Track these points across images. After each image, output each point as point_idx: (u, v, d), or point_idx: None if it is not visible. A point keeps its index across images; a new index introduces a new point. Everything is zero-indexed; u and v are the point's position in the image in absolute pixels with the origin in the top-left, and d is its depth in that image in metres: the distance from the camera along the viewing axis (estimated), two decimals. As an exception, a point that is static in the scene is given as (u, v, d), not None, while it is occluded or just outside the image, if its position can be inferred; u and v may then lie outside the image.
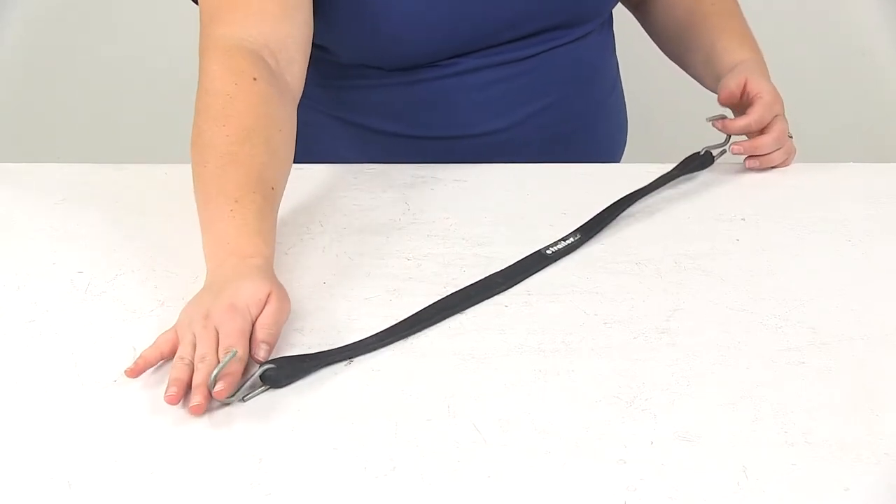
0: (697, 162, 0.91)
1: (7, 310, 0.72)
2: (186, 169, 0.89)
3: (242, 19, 0.81)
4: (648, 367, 0.65)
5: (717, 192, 0.88)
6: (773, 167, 0.92)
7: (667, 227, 0.83)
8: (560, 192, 0.88)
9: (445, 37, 0.91)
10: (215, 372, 0.60)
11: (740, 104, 0.92)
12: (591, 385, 0.64)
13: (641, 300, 0.72)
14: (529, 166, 0.92)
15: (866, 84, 1.74)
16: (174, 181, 0.87)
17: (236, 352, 0.62)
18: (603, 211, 0.82)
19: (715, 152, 0.92)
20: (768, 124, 0.90)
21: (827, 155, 0.90)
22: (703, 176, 0.89)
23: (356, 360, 0.66)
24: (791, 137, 0.93)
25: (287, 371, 0.64)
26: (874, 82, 1.75)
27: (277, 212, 0.75)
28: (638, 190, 0.85)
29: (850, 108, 1.75)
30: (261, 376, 0.63)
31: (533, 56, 0.95)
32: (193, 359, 0.63)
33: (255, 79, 0.78)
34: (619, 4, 1.09)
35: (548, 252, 0.77)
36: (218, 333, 0.64)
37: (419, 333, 0.69)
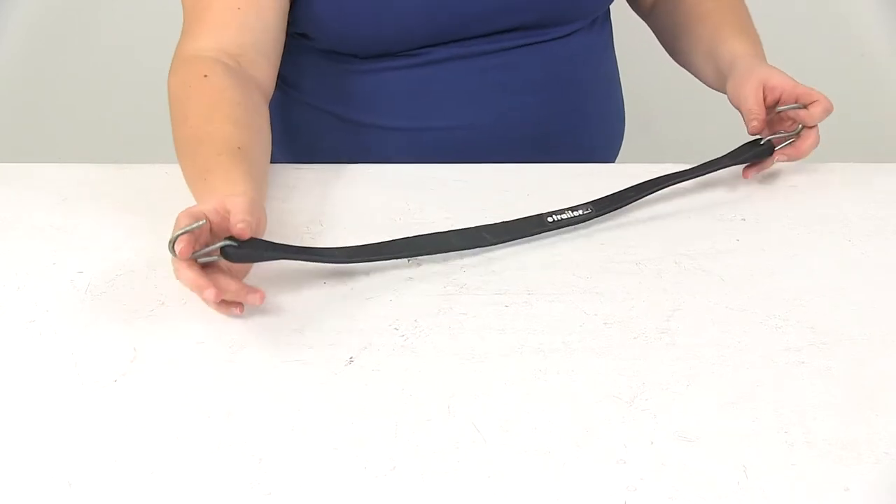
0: (754, 152, 0.87)
1: (7, 310, 0.72)
2: (186, 169, 0.89)
3: (201, 33, 0.87)
4: (648, 367, 0.65)
5: (717, 192, 0.88)
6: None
7: (667, 227, 0.83)
8: (560, 191, 0.88)
9: (415, 24, 0.91)
10: (178, 233, 0.66)
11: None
12: (591, 385, 0.64)
13: (641, 300, 0.72)
14: (530, 166, 0.92)
15: (866, 84, 1.74)
16: (174, 181, 0.87)
17: (203, 222, 0.67)
18: (623, 190, 0.82)
19: (779, 145, 0.88)
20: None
21: (827, 155, 0.90)
22: (704, 176, 0.89)
23: (356, 359, 0.66)
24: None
25: (245, 252, 0.68)
26: (874, 82, 1.75)
27: (257, 165, 0.78)
28: (664, 176, 0.85)
29: (850, 108, 1.74)
30: (221, 248, 0.67)
31: (505, 50, 0.94)
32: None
33: (205, 76, 0.83)
34: (632, 13, 1.09)
35: (548, 219, 0.77)
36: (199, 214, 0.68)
37: (419, 333, 0.69)
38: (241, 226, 0.67)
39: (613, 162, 1.10)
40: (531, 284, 0.74)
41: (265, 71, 0.89)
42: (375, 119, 0.97)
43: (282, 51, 0.91)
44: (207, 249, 0.67)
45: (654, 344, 0.68)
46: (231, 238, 0.68)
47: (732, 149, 0.88)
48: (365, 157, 0.95)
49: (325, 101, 0.99)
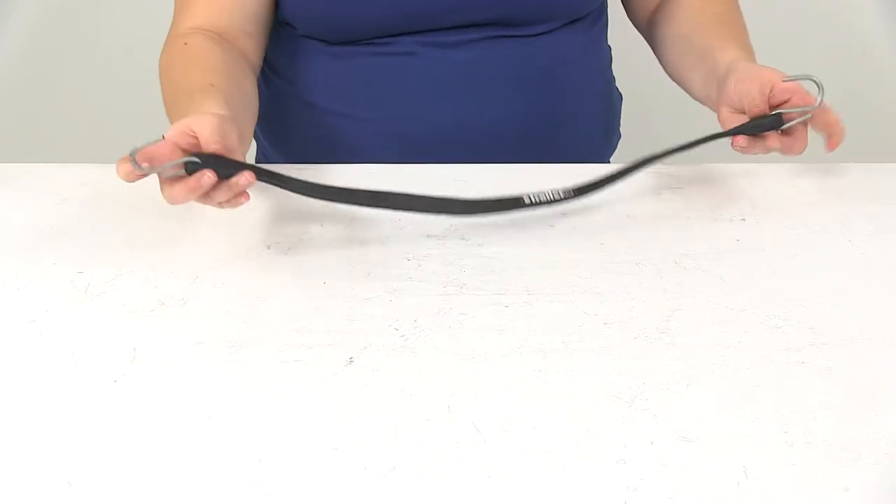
0: (760, 122, 0.84)
1: (7, 310, 0.72)
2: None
3: (187, 17, 0.93)
4: (648, 367, 0.65)
5: (717, 192, 0.87)
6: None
7: (667, 227, 0.83)
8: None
9: (382, 12, 0.92)
10: (138, 146, 0.69)
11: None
12: (591, 385, 0.64)
13: (641, 300, 0.72)
14: (530, 166, 0.92)
15: (866, 84, 1.74)
16: (174, 181, 0.87)
17: (159, 139, 0.70)
18: (609, 174, 0.82)
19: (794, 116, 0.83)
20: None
21: (827, 155, 0.90)
22: (704, 175, 0.89)
23: (356, 360, 0.66)
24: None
25: (208, 165, 0.69)
26: (874, 82, 1.75)
27: (232, 98, 0.80)
28: (646, 158, 0.84)
29: (850, 108, 1.74)
30: (184, 163, 0.69)
31: (474, 43, 0.93)
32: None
33: (185, 44, 0.89)
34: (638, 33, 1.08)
35: (525, 201, 0.79)
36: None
37: (419, 333, 0.69)
38: (214, 147, 0.70)
39: (608, 161, 1.09)
40: (531, 284, 0.74)
41: (249, 47, 0.94)
42: (339, 106, 0.98)
43: (268, 34, 0.96)
44: (171, 164, 0.70)
45: (654, 344, 0.68)
46: (195, 155, 0.70)
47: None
48: (330, 143, 0.96)
49: (296, 84, 1.00)
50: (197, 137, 0.71)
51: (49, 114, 1.79)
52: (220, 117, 0.73)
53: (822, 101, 0.83)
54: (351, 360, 0.66)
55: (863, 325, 0.70)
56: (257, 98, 0.90)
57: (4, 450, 0.59)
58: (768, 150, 0.84)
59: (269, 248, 0.76)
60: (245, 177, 0.70)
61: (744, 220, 0.83)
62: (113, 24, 1.71)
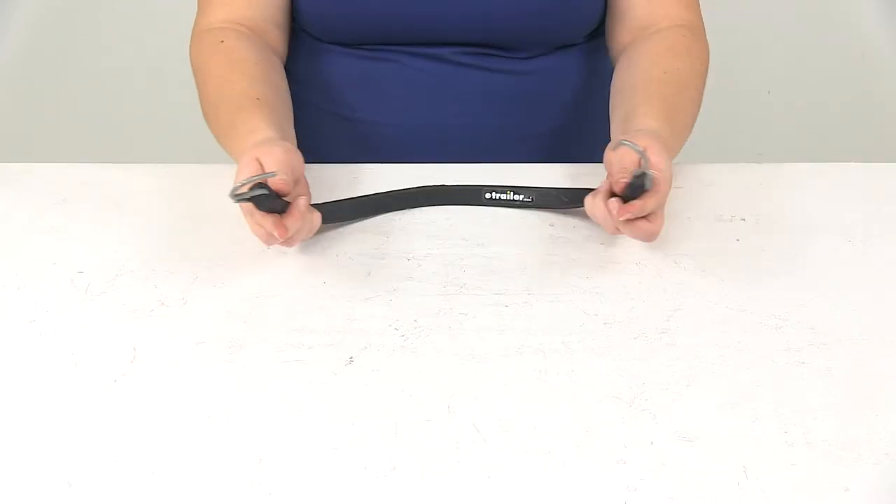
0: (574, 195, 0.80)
1: (7, 310, 0.72)
2: (187, 168, 0.89)
3: (214, 9, 0.92)
4: (648, 368, 0.65)
5: (717, 192, 0.87)
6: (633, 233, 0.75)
7: (667, 227, 0.83)
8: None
9: (372, 22, 0.93)
10: (243, 181, 0.69)
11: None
12: (591, 385, 0.64)
13: (641, 300, 0.72)
14: (530, 166, 0.92)
15: (866, 84, 1.74)
16: (175, 181, 0.87)
17: (273, 174, 0.70)
18: (569, 189, 0.83)
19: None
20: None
21: (827, 155, 0.90)
22: (704, 175, 0.89)
23: (356, 360, 0.66)
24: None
25: (262, 202, 0.70)
26: (874, 82, 1.75)
27: (277, 111, 0.83)
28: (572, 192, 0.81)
29: (850, 108, 1.74)
30: (251, 198, 0.69)
31: (459, 65, 0.95)
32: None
33: (221, 41, 0.89)
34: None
35: (486, 196, 0.83)
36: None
37: (419, 333, 0.69)
38: (280, 183, 0.71)
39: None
40: (531, 284, 0.74)
41: (277, 38, 0.95)
42: (325, 103, 0.99)
43: (290, 22, 0.97)
44: (241, 190, 0.69)
45: (654, 344, 0.68)
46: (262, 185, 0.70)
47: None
48: (317, 139, 0.97)
49: (294, 79, 1.00)
50: (263, 168, 0.72)
51: (49, 114, 1.79)
52: (286, 149, 0.73)
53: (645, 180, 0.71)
54: (351, 360, 0.66)
55: (863, 325, 0.70)
56: (289, 92, 0.91)
57: (4, 450, 0.59)
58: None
59: (269, 247, 0.76)
60: (303, 201, 0.72)
61: (744, 219, 0.83)
62: (113, 24, 1.71)
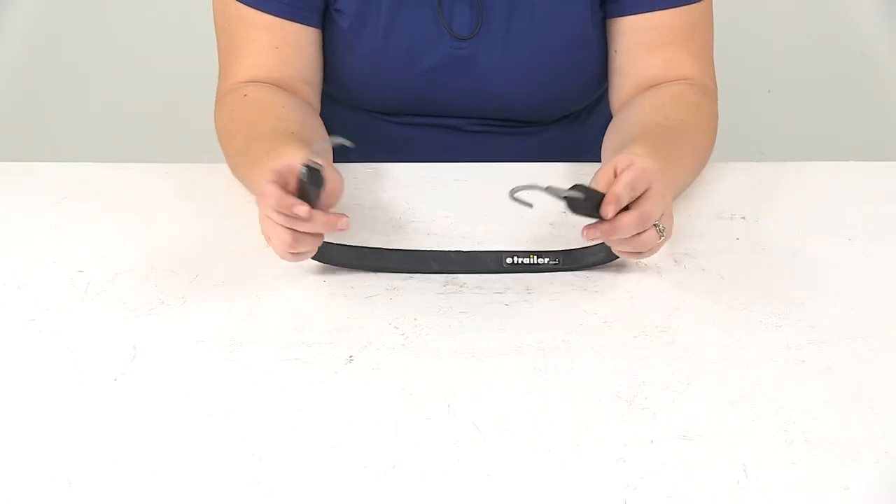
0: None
1: (7, 309, 0.72)
2: (187, 168, 0.89)
3: (238, 69, 0.87)
4: (648, 366, 0.65)
5: (717, 192, 0.87)
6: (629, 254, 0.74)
7: (667, 226, 0.83)
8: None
9: (394, 97, 0.94)
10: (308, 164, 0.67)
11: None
12: (590, 384, 0.64)
13: (641, 299, 0.72)
14: (530, 165, 0.92)
15: (866, 84, 1.74)
16: (175, 181, 0.87)
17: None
18: (590, 247, 0.75)
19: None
20: (637, 199, 0.69)
21: (827, 155, 0.90)
22: (704, 174, 0.89)
23: (356, 358, 0.66)
24: (659, 229, 0.71)
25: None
26: (874, 82, 1.75)
27: (315, 137, 0.80)
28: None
29: (850, 108, 1.74)
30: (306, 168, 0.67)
31: (473, 133, 0.96)
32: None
33: (245, 95, 0.85)
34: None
35: (506, 261, 0.75)
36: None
37: (419, 332, 0.69)
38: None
39: None
40: (531, 284, 0.74)
41: (309, 94, 0.90)
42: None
43: (322, 80, 0.92)
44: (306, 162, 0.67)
45: (653, 343, 0.68)
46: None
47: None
48: None
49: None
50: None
51: (49, 114, 1.79)
52: (327, 161, 0.72)
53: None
54: (351, 359, 0.66)
55: (863, 324, 0.70)
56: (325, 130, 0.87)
57: (5, 449, 0.59)
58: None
59: (268, 246, 0.76)
60: (345, 221, 0.70)
61: (744, 219, 0.83)
62: (113, 24, 1.71)
